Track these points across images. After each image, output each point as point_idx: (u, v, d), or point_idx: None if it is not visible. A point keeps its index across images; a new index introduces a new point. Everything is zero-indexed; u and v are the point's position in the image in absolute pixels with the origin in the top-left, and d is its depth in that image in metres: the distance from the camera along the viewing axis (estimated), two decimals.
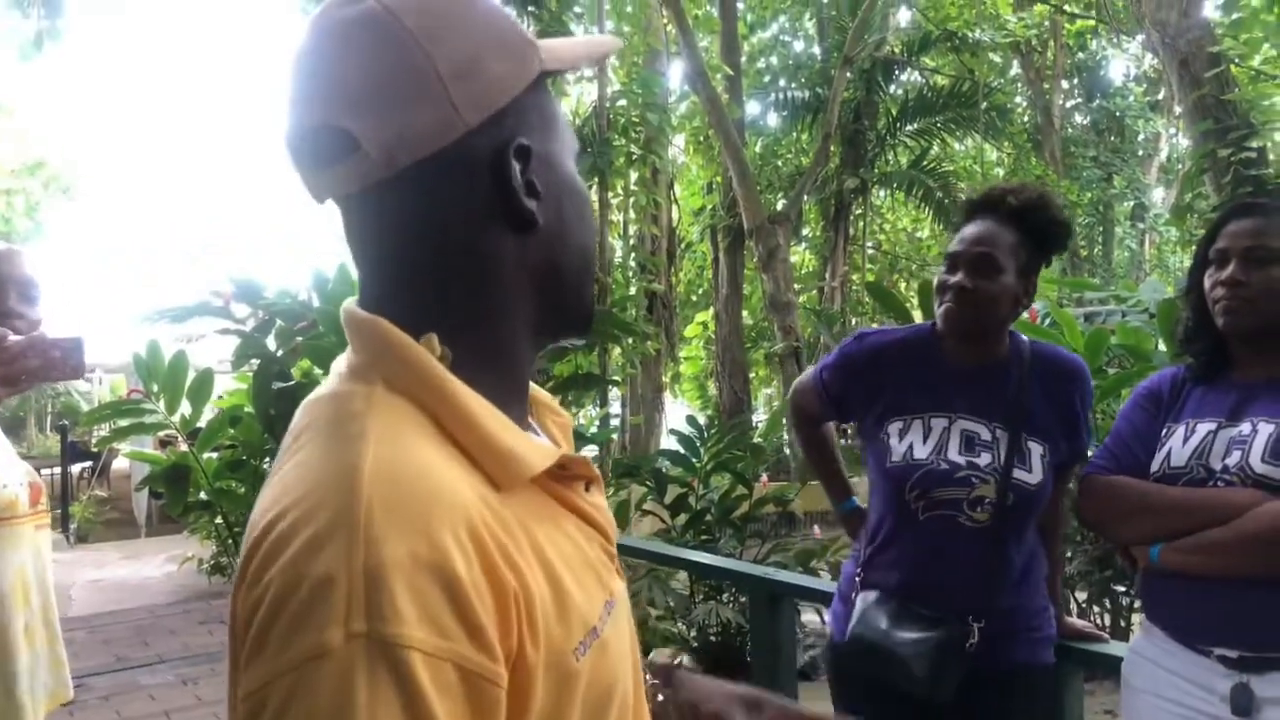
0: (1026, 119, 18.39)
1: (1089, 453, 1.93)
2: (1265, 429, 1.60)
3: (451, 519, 0.58)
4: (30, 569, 1.85)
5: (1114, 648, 1.93)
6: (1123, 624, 4.40)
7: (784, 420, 8.51)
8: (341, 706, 0.52)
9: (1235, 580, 1.57)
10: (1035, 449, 1.80)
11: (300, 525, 0.57)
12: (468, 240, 0.69)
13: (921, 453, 1.80)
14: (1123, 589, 4.40)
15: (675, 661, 0.96)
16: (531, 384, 0.80)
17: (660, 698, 0.93)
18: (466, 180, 0.67)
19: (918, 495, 1.80)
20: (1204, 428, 1.68)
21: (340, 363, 0.72)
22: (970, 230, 1.84)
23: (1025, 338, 1.91)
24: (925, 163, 15.31)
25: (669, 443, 7.77)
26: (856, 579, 1.91)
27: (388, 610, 0.53)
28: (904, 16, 16.83)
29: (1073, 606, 4.33)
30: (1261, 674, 1.54)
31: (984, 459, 1.78)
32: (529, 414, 0.79)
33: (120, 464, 12.34)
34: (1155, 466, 1.71)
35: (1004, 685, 1.82)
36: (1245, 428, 1.63)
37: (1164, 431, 1.75)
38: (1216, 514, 1.58)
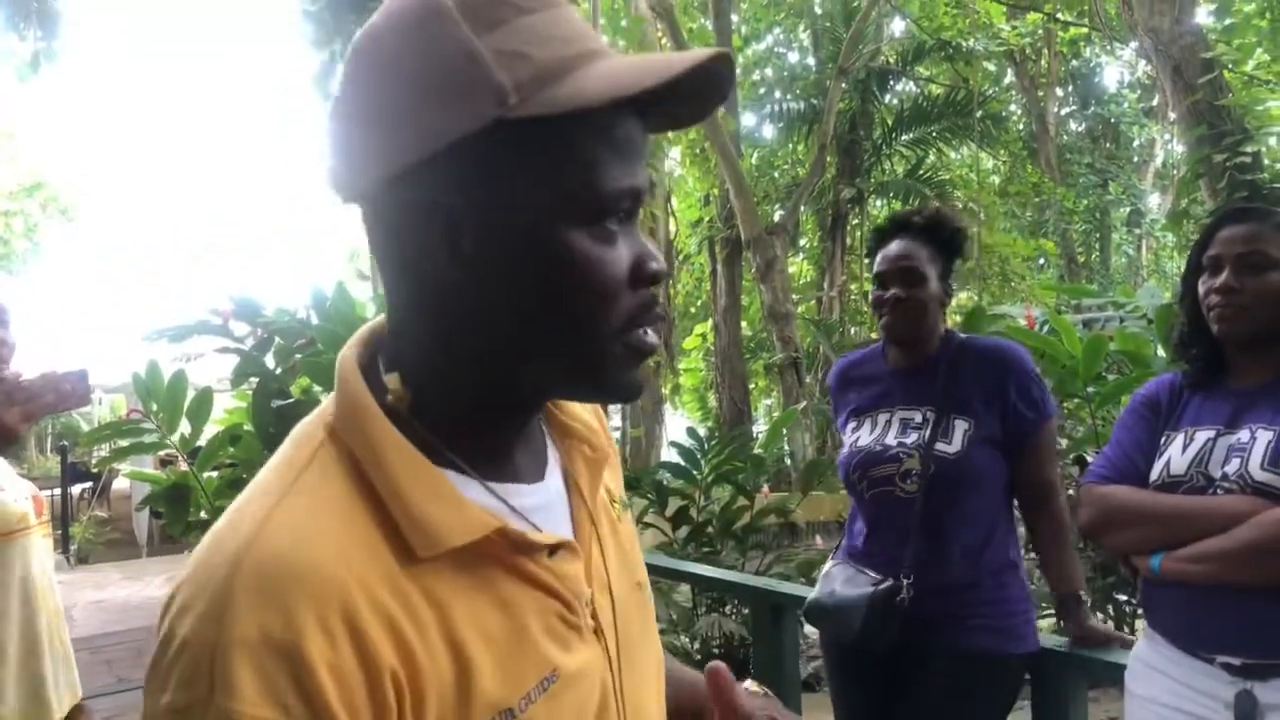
0: (1022, 127, 18.45)
1: (1076, 447, 1.97)
2: (1264, 436, 1.60)
3: (320, 600, 0.57)
4: (45, 574, 1.93)
5: (1116, 655, 1.92)
6: (1126, 630, 4.39)
7: (784, 430, 8.53)
8: None
9: (1238, 588, 1.56)
10: (960, 425, 2.01)
11: (187, 586, 0.59)
12: (401, 284, 0.67)
13: (865, 441, 2.10)
14: (1125, 596, 4.39)
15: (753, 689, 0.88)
16: (572, 412, 0.79)
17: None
18: (385, 227, 0.66)
19: (859, 476, 2.08)
20: (1203, 435, 1.68)
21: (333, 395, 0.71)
22: (891, 249, 2.10)
23: (960, 334, 2.15)
24: (921, 172, 15.35)
25: (669, 455, 7.77)
26: (831, 559, 2.20)
27: (225, 683, 0.54)
28: (898, 26, 16.89)
29: None
30: (1265, 681, 1.53)
31: (912, 438, 2.04)
32: (555, 447, 0.77)
33: (120, 484, 12.33)
34: (1155, 475, 1.70)
35: (960, 670, 1.95)
36: (1244, 435, 1.63)
37: (1163, 439, 1.74)
38: (1217, 522, 1.58)
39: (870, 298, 2.14)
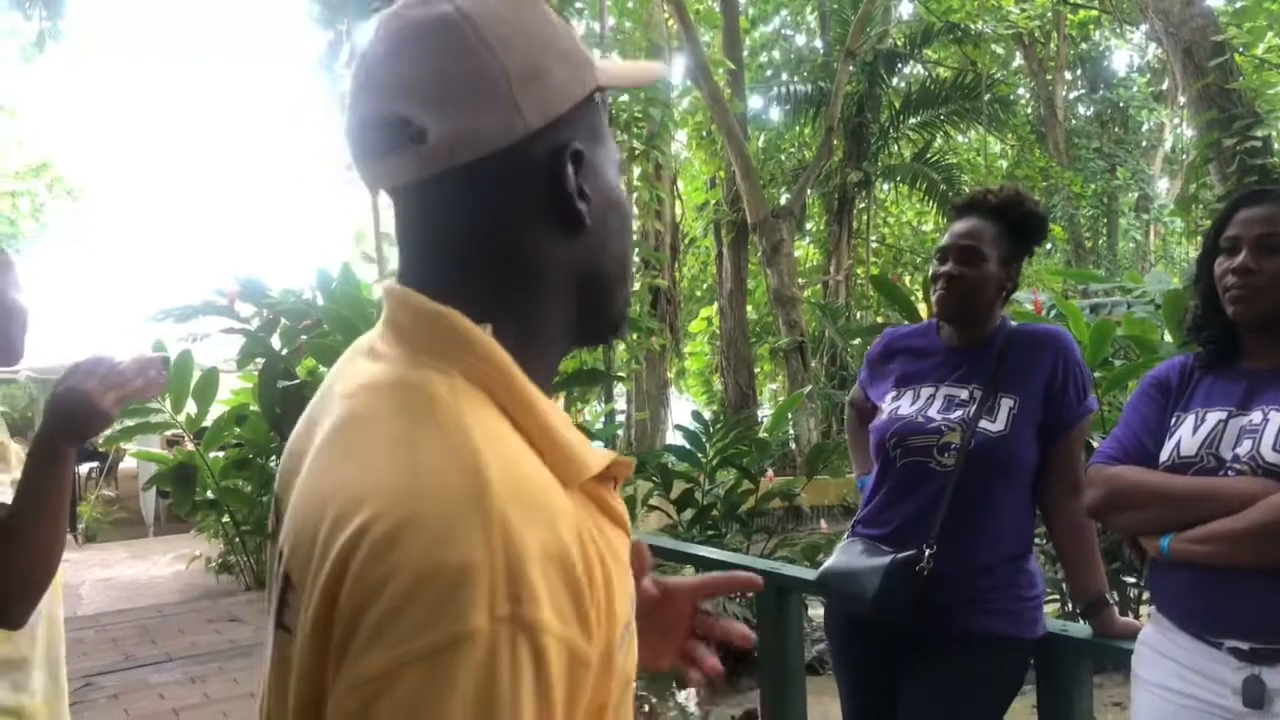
0: (1030, 111, 18.36)
1: (1089, 428, 1.96)
2: (1276, 418, 1.59)
3: (568, 516, 0.61)
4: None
5: (1122, 640, 1.92)
6: (1132, 615, 4.39)
7: (789, 414, 8.52)
8: (486, 686, 0.54)
9: (1246, 571, 1.55)
10: (1005, 402, 1.99)
11: (424, 515, 0.57)
12: (517, 237, 0.71)
13: (906, 411, 2.07)
14: (1132, 580, 4.39)
15: None
16: None
17: None
18: (522, 179, 0.70)
19: (895, 443, 2.04)
20: (1214, 417, 1.67)
21: (377, 350, 0.71)
22: (956, 226, 2.07)
23: (1012, 321, 2.11)
24: (928, 155, 15.29)
25: (674, 438, 7.79)
26: (848, 534, 2.16)
27: (528, 594, 0.55)
28: (906, 9, 16.81)
29: None
30: (1274, 665, 1.52)
31: (957, 414, 2.01)
32: None
33: (128, 464, 12.36)
34: (1165, 456, 1.69)
35: (969, 652, 1.94)
36: (1256, 416, 1.62)
37: (1173, 421, 1.73)
38: (1227, 504, 1.56)
39: (929, 273, 2.10)
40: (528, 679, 0.55)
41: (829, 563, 2.10)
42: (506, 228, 0.70)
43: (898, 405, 2.09)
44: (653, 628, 0.91)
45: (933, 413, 2.03)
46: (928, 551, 1.91)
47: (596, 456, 0.69)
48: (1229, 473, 1.60)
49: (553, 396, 0.75)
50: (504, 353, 0.67)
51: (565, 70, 0.71)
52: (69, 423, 1.48)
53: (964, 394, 2.02)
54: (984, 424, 1.96)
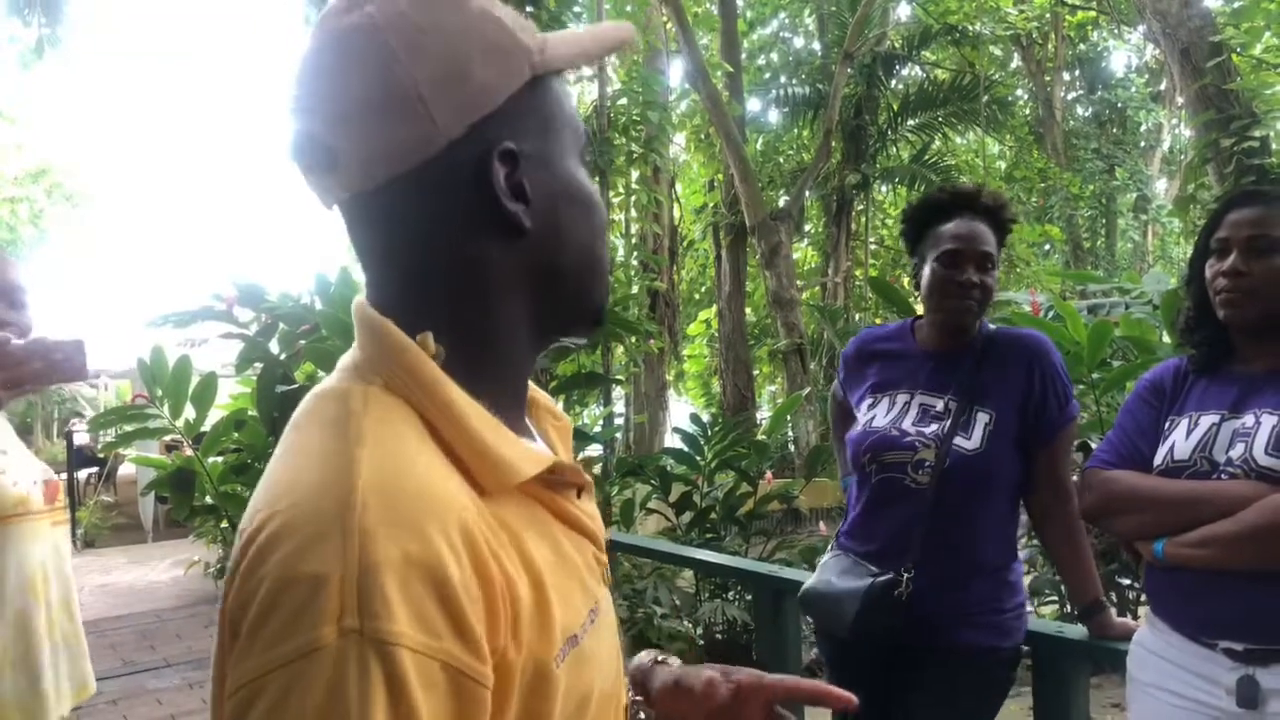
0: (1028, 112, 18.36)
1: (1080, 434, 1.94)
2: (1269, 421, 1.59)
3: (443, 520, 0.59)
4: (50, 564, 1.89)
5: (1118, 641, 1.92)
6: (1129, 617, 4.39)
7: (787, 417, 8.52)
8: (333, 700, 0.53)
9: (1240, 573, 1.56)
10: (981, 418, 1.94)
11: (294, 523, 0.58)
12: (452, 246, 0.69)
13: (880, 422, 2.02)
14: (1128, 582, 4.39)
15: (656, 659, 0.95)
16: (533, 386, 0.81)
17: (641, 716, 0.91)
18: (449, 188, 0.68)
19: (870, 459, 2.00)
20: (1207, 420, 1.67)
21: (346, 358, 0.73)
22: (963, 228, 1.97)
23: (989, 324, 2.07)
24: (927, 157, 15.29)
25: (673, 441, 7.78)
26: (831, 546, 2.13)
27: (379, 608, 0.54)
28: (904, 11, 16.81)
29: None
30: (1267, 666, 1.53)
31: (932, 428, 1.95)
32: (527, 416, 0.80)
33: (126, 469, 12.37)
34: (1159, 459, 1.70)
35: (956, 665, 1.92)
36: (1248, 420, 1.62)
37: (1167, 424, 1.73)
38: (1220, 507, 1.57)
39: (929, 276, 1.98)
40: (379, 693, 0.53)
41: (810, 582, 2.07)
42: (439, 237, 0.69)
43: (872, 415, 2.05)
44: None
45: (907, 425, 1.98)
46: (906, 576, 1.88)
47: (530, 461, 0.68)
48: (1222, 476, 1.60)
49: (522, 399, 0.77)
50: (424, 360, 0.67)
51: (491, 66, 0.67)
52: None
53: (939, 405, 1.98)
54: (959, 440, 1.92)
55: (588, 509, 0.76)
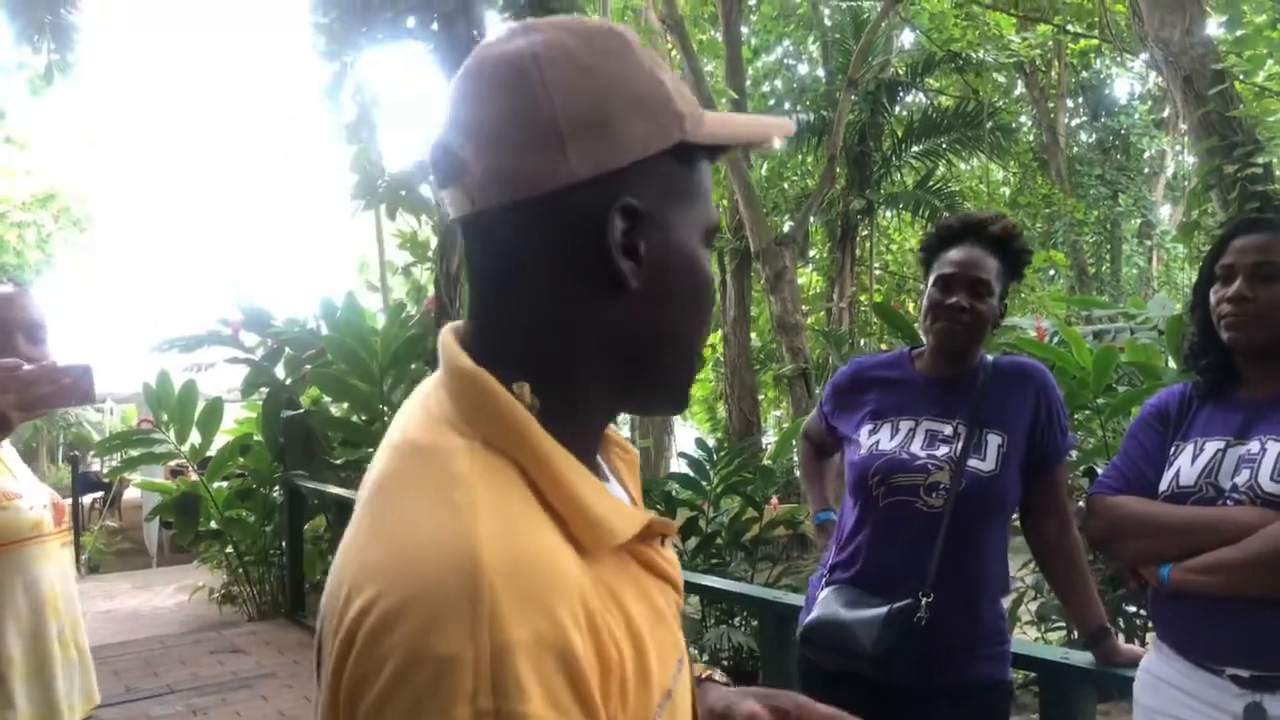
0: (1032, 138, 18.41)
1: (1074, 456, 1.95)
2: (1275, 447, 1.59)
3: (568, 598, 0.59)
4: (59, 584, 1.97)
5: (1126, 667, 1.91)
6: (1136, 643, 4.36)
7: (794, 442, 8.49)
8: None
9: (1246, 600, 1.55)
10: (993, 440, 1.93)
11: (418, 601, 0.56)
12: (551, 287, 0.68)
13: (887, 446, 1.97)
14: (1134, 609, 4.36)
15: (704, 675, 0.96)
16: (613, 434, 0.83)
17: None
18: (563, 228, 0.67)
19: (879, 482, 1.94)
20: (1213, 446, 1.67)
21: (431, 398, 0.71)
22: (960, 254, 1.97)
23: (988, 355, 2.06)
24: (931, 183, 15.32)
25: (678, 466, 7.76)
26: (822, 579, 2.05)
27: (513, 689, 0.54)
28: (907, 38, 16.90)
29: None
30: (1274, 693, 1.52)
31: (942, 450, 1.93)
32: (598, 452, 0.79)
33: (131, 494, 12.34)
34: (1164, 485, 1.70)
35: (965, 702, 1.89)
36: (1254, 446, 1.62)
37: (1172, 450, 1.73)
38: (1225, 534, 1.57)
39: (926, 300, 2.00)
40: None
41: (814, 615, 1.96)
42: (540, 276, 0.68)
43: (876, 440, 1.99)
44: None
45: (916, 449, 1.94)
46: (925, 600, 1.83)
47: (627, 521, 0.68)
48: (1228, 502, 1.60)
49: (595, 455, 0.76)
50: (530, 420, 0.65)
51: (638, 122, 0.66)
52: None
53: (947, 429, 1.95)
54: (973, 462, 1.90)
55: (669, 556, 0.77)
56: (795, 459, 11.50)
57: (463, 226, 0.71)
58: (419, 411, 0.70)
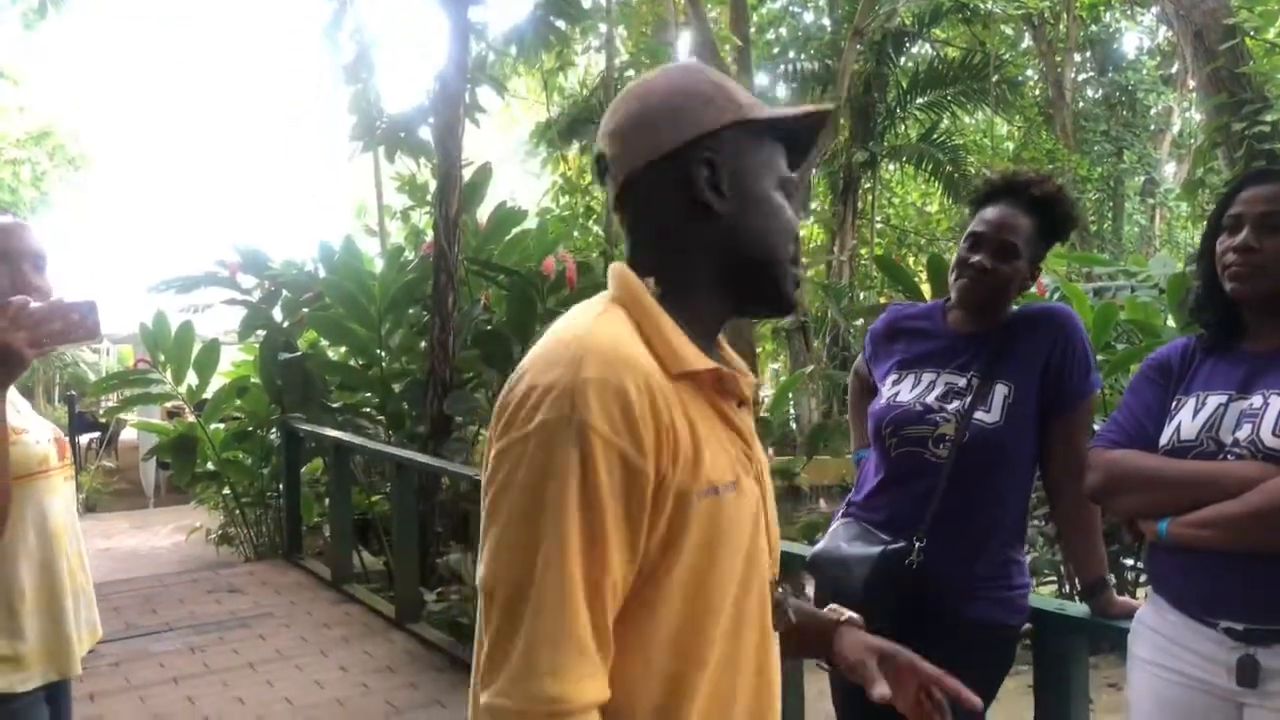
0: (1038, 92, 18.23)
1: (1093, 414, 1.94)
2: (1277, 402, 1.58)
3: (635, 374, 0.92)
4: (65, 517, 1.99)
5: (1121, 619, 1.92)
6: (1130, 598, 4.40)
7: (790, 394, 8.51)
8: (549, 455, 0.89)
9: (1242, 553, 1.55)
10: (1000, 390, 1.96)
11: (544, 358, 0.95)
12: (668, 219, 1.06)
13: (905, 398, 2.04)
14: (1130, 562, 4.40)
15: (841, 618, 1.27)
16: (730, 350, 1.14)
17: (790, 603, 1.17)
18: (670, 182, 1.04)
19: (890, 433, 2.02)
20: (1214, 400, 1.66)
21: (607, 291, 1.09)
22: (994, 214, 1.99)
23: (1015, 307, 2.07)
24: (935, 136, 15.20)
25: None
26: (840, 513, 2.15)
27: (582, 404, 0.89)
28: None
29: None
30: (1268, 646, 1.53)
31: (954, 404, 1.97)
32: (722, 359, 1.10)
33: (128, 435, 12.40)
34: (1164, 439, 1.69)
35: (960, 639, 1.88)
36: (1256, 400, 1.61)
37: (1174, 404, 1.72)
38: (1226, 488, 1.56)
39: (957, 253, 2.04)
40: (576, 458, 0.88)
41: (820, 545, 2.07)
42: (662, 213, 1.05)
43: (897, 391, 2.06)
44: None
45: (930, 400, 2.00)
46: (918, 545, 1.89)
47: (701, 361, 1.00)
48: (1229, 457, 1.60)
49: (711, 337, 1.09)
50: (642, 290, 1.03)
51: (699, 109, 1.04)
52: None
53: (962, 382, 1.99)
54: (979, 415, 1.93)
55: (745, 418, 1.07)
56: (791, 411, 11.55)
57: (614, 199, 1.08)
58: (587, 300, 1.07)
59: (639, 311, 1.01)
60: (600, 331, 0.95)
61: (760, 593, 1.04)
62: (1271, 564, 1.53)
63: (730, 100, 1.06)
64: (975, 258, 1.97)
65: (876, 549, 1.93)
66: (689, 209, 1.03)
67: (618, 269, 1.06)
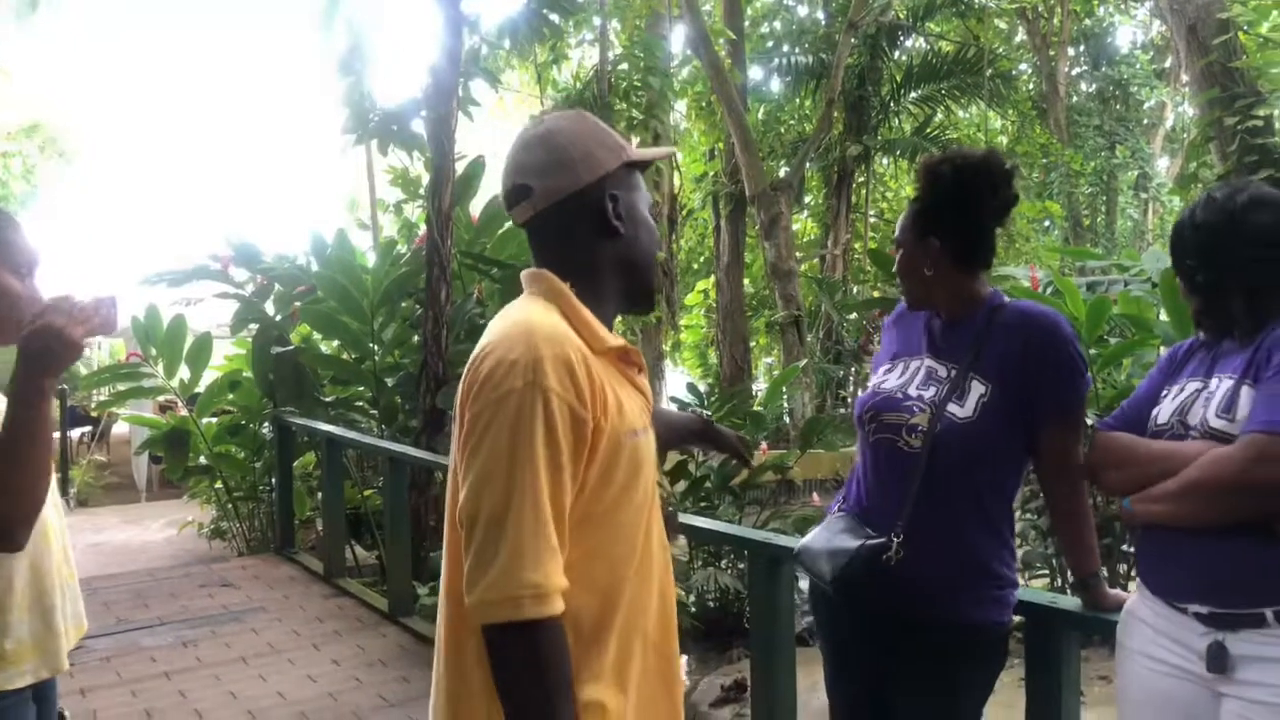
0: (1031, 87, 18.25)
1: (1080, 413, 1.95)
2: (1224, 385, 1.66)
3: (572, 347, 1.24)
4: (51, 511, 1.97)
5: (1111, 612, 1.92)
6: (1121, 588, 4.42)
7: (783, 388, 8.52)
8: (519, 415, 1.18)
9: (1196, 534, 1.61)
10: (976, 388, 1.94)
11: (504, 342, 1.24)
12: (583, 240, 1.39)
13: (890, 385, 2.06)
14: (1125, 547, 4.42)
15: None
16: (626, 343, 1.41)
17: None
18: (584, 210, 1.37)
19: (870, 418, 2.04)
20: (1191, 386, 1.74)
21: (528, 290, 1.39)
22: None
23: (1002, 296, 2.06)
24: (929, 130, 15.21)
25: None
26: (834, 506, 2.17)
27: (541, 372, 1.20)
28: None
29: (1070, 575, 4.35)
30: (1235, 631, 1.56)
31: (930, 392, 1.98)
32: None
33: (120, 429, 12.35)
34: (1150, 424, 1.78)
35: (948, 639, 1.92)
36: (1213, 383, 1.70)
37: (1163, 392, 1.81)
38: (1173, 465, 1.66)
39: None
40: (540, 412, 1.18)
41: (808, 537, 2.08)
42: (578, 235, 1.38)
43: (885, 379, 2.08)
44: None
45: (912, 389, 2.00)
46: (895, 540, 1.88)
47: (613, 340, 1.35)
48: (1191, 438, 1.68)
49: (610, 325, 1.41)
50: (567, 290, 1.33)
51: (604, 153, 1.38)
52: (46, 356, 1.56)
53: (943, 371, 1.99)
54: (951, 408, 1.92)
55: (643, 381, 1.43)
56: (785, 405, 11.56)
57: (530, 227, 1.39)
58: (520, 297, 1.38)
59: (566, 305, 1.33)
60: (541, 320, 1.26)
61: (656, 513, 1.40)
62: (1233, 545, 1.58)
63: (618, 145, 1.41)
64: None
65: (857, 543, 1.92)
66: (598, 232, 1.37)
67: (540, 273, 1.37)
